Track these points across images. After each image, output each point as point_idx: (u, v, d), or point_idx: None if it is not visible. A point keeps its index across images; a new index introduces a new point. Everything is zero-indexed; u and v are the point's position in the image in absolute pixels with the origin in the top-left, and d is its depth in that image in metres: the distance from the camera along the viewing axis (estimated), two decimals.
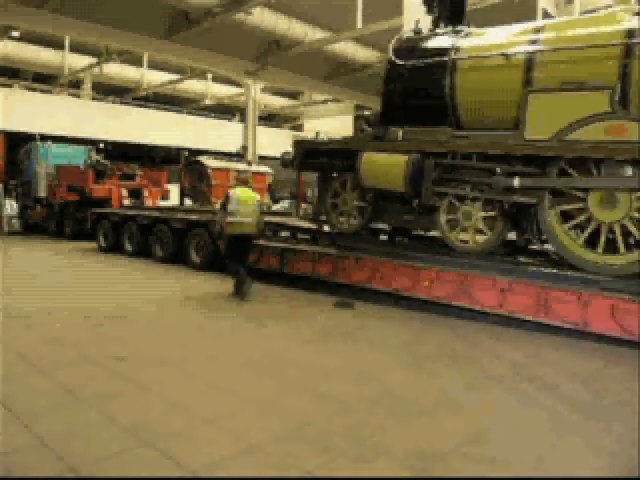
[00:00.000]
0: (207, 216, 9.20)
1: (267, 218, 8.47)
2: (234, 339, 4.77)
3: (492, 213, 5.91)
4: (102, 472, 2.49)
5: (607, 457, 2.75)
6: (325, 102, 29.84)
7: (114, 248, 10.66)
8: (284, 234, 8.39)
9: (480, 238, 6.07)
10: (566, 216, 5.45)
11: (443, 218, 6.25)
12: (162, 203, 14.86)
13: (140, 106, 27.81)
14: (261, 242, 7.83)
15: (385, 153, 6.40)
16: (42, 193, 15.13)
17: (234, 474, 2.51)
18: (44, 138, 16.43)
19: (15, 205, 16.87)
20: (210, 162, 17.15)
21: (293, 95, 32.61)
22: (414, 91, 6.54)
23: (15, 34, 21.37)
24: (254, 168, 17.17)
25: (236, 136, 25.56)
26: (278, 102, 32.09)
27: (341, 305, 6.18)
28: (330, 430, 2.95)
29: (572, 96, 5.13)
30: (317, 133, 8.39)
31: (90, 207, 12.33)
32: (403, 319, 5.71)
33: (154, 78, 27.47)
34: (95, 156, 15.41)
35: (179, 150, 20.37)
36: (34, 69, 24.78)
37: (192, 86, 28.69)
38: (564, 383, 3.82)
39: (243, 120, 25.95)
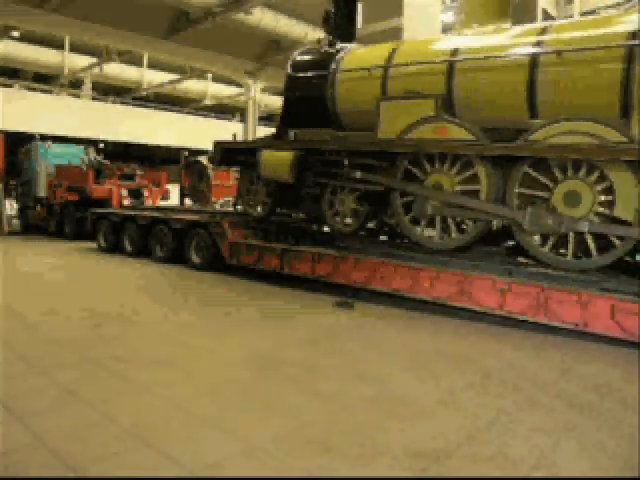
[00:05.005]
0: (207, 216, 9.20)
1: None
2: (233, 339, 4.77)
3: (357, 202, 7.02)
4: (102, 472, 2.49)
5: (607, 457, 2.75)
6: None
7: (114, 248, 10.65)
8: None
9: (353, 221, 7.20)
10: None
11: (325, 205, 7.38)
12: (162, 203, 14.84)
13: (140, 106, 27.82)
14: (261, 242, 7.85)
15: (281, 151, 7.58)
16: (42, 193, 15.11)
17: (234, 474, 2.51)
18: (44, 138, 16.42)
19: (15, 205, 16.86)
20: (210, 162, 17.13)
21: None
22: (305, 99, 7.78)
23: (15, 34, 21.38)
24: None
25: (236, 136, 25.51)
26: (278, 102, 32.05)
27: (341, 305, 6.18)
28: (330, 430, 2.95)
29: (410, 103, 6.31)
30: (234, 135, 9.55)
31: (90, 207, 12.32)
32: (403, 319, 5.72)
33: (154, 78, 27.48)
34: (93, 155, 15.38)
35: (179, 150, 20.37)
36: (34, 69, 24.80)
37: (192, 86, 28.71)
38: (564, 383, 3.82)
39: (243, 120, 25.97)
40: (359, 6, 15.96)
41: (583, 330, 4.81)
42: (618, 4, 11.89)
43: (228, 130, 28.33)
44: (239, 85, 26.55)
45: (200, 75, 27.11)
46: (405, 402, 3.39)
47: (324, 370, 3.96)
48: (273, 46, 19.36)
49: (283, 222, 8.70)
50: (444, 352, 4.53)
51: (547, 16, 12.40)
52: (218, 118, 30.82)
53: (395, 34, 12.75)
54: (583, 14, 12.53)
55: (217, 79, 28.78)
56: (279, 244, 7.60)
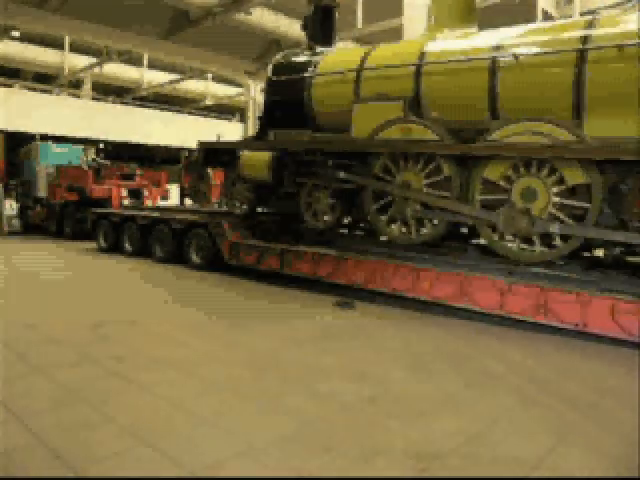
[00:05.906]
0: (207, 216, 9.19)
1: None
2: (233, 339, 4.77)
3: (332, 200, 7.24)
4: (102, 472, 2.49)
5: (607, 457, 2.75)
6: None
7: (114, 248, 10.65)
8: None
9: (329, 218, 7.41)
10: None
11: (302, 202, 7.60)
12: (162, 203, 14.84)
13: (140, 106, 27.79)
14: (261, 243, 7.85)
15: (259, 151, 7.84)
16: (42, 193, 15.10)
17: (234, 474, 2.51)
18: (44, 138, 16.41)
19: (15, 205, 16.84)
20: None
21: None
22: (284, 101, 7.99)
23: (15, 34, 21.35)
24: None
25: (236, 136, 25.57)
26: None
27: (341, 305, 6.18)
28: (330, 430, 2.95)
29: (381, 105, 6.56)
30: (218, 135, 9.70)
31: (90, 207, 12.32)
32: (403, 319, 5.72)
33: (154, 78, 27.45)
34: (91, 156, 15.38)
35: (179, 150, 20.36)
36: (34, 69, 24.77)
37: (192, 86, 28.66)
38: (564, 383, 3.82)
39: (243, 120, 25.97)
40: (359, 6, 16.01)
41: (583, 330, 4.81)
42: (618, 4, 11.88)
43: (228, 130, 28.41)
44: (239, 85, 26.53)
45: (200, 75, 27.07)
46: (405, 402, 3.39)
47: (324, 370, 3.96)
48: (273, 46, 19.30)
49: (282, 221, 8.70)
50: (444, 352, 4.53)
51: (547, 16, 12.39)
52: (218, 118, 30.78)
53: (395, 34, 12.74)
54: (583, 14, 12.53)
55: (217, 79, 28.74)
56: (279, 244, 7.60)
